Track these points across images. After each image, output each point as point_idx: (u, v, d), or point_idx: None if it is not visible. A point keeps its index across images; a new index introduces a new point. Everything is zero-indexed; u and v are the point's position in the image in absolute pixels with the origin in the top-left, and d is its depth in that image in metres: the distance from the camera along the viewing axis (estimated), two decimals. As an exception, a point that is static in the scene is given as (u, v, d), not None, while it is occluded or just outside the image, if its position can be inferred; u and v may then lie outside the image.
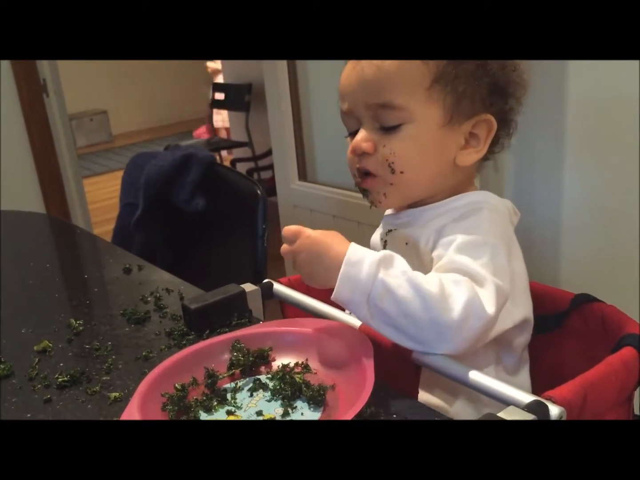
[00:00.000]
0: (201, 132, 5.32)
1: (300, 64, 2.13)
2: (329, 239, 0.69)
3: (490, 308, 0.65)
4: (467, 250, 0.69)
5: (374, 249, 0.81)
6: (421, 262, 0.75)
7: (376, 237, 0.85)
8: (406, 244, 0.78)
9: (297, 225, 0.71)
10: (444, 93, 0.73)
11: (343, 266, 0.66)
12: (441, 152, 0.75)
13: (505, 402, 0.61)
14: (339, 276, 0.66)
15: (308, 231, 0.70)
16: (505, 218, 0.76)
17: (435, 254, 0.72)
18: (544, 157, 1.55)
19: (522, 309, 0.76)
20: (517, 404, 0.59)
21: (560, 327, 0.81)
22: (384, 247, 0.82)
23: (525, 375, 0.80)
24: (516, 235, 0.78)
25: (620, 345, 0.68)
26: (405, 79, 0.72)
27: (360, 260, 0.66)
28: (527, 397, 0.59)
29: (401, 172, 0.75)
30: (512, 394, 0.61)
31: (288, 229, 0.70)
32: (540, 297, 0.82)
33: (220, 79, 4.72)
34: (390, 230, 0.82)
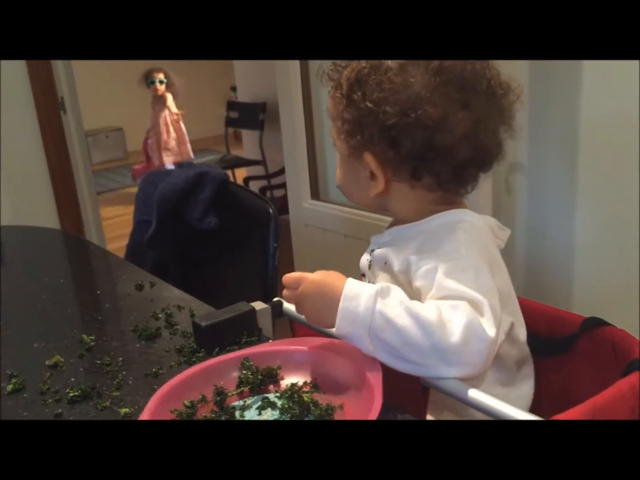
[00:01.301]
0: (139, 169, 4.68)
1: (314, 83, 2.16)
2: (331, 279, 0.71)
3: (490, 330, 0.65)
4: (452, 276, 0.69)
5: (362, 269, 0.83)
6: (397, 281, 0.76)
7: (363, 257, 0.87)
8: (385, 263, 0.80)
9: (298, 273, 0.73)
10: (340, 129, 0.79)
11: (341, 301, 0.67)
12: (355, 179, 0.81)
13: (514, 425, 0.61)
14: (338, 311, 0.67)
15: (310, 276, 0.72)
16: (485, 235, 0.77)
17: (419, 284, 0.72)
18: (557, 178, 1.55)
19: (505, 323, 0.76)
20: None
21: (570, 350, 0.81)
22: (369, 267, 0.83)
23: (526, 389, 0.80)
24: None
25: (630, 370, 0.67)
26: (330, 113, 0.81)
27: (357, 294, 0.67)
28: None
29: (340, 189, 0.85)
30: (520, 418, 0.61)
31: (289, 277, 0.73)
32: (549, 319, 0.82)
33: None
34: (373, 250, 0.83)
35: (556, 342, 0.81)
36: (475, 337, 0.64)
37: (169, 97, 4.60)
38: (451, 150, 0.74)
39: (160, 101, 4.58)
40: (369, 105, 0.73)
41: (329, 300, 0.69)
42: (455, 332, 0.64)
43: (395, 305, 0.66)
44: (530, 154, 1.59)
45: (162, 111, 4.61)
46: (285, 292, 0.73)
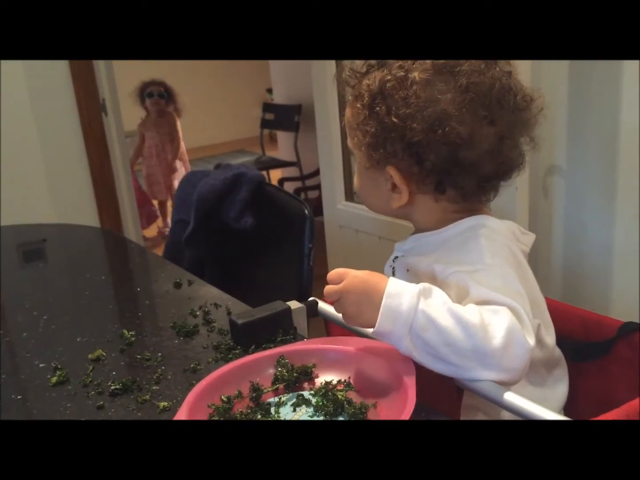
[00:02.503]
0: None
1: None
2: (376, 278, 0.70)
3: (531, 339, 0.66)
4: (483, 284, 0.69)
5: (386, 275, 0.84)
6: None
7: (387, 264, 0.87)
8: (407, 270, 0.80)
9: (342, 269, 0.72)
10: (362, 141, 0.78)
11: (384, 299, 0.67)
12: (375, 190, 0.82)
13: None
14: (381, 309, 0.67)
15: (354, 271, 0.71)
16: (508, 239, 0.76)
17: (446, 292, 0.71)
18: (596, 181, 1.53)
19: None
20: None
21: (608, 355, 0.80)
22: (393, 274, 0.83)
23: (558, 391, 0.80)
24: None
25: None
26: (348, 122, 0.81)
27: (400, 292, 0.67)
28: (570, 424, 0.59)
29: (358, 196, 0.87)
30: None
31: (334, 271, 0.72)
32: (586, 323, 0.81)
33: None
34: (397, 257, 0.83)
35: (593, 346, 0.80)
36: (516, 343, 0.64)
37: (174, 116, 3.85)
38: (476, 165, 0.74)
39: (163, 121, 3.84)
40: (395, 120, 0.73)
41: (371, 297, 0.68)
42: (497, 335, 0.64)
43: (438, 306, 0.66)
44: (569, 157, 1.57)
45: (168, 134, 3.83)
46: (328, 287, 0.72)
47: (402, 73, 0.74)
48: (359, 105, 0.78)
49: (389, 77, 0.74)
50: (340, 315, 0.86)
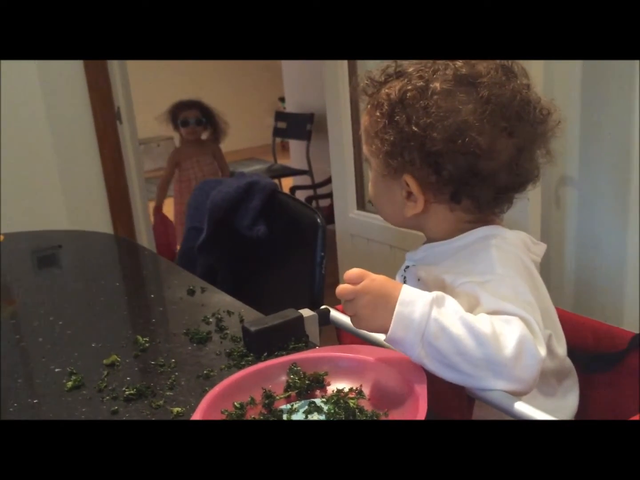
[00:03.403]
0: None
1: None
2: (392, 283, 0.70)
3: (542, 349, 0.66)
4: (494, 294, 0.70)
5: None
6: None
7: (398, 273, 0.88)
8: (418, 280, 0.81)
9: (360, 269, 0.71)
10: (379, 149, 0.78)
11: (397, 306, 0.67)
12: (390, 198, 0.82)
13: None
14: (394, 315, 0.67)
15: (373, 274, 0.71)
16: (519, 249, 0.77)
17: (459, 301, 0.72)
18: (609, 192, 1.53)
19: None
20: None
21: (619, 366, 0.80)
22: (404, 283, 0.83)
23: (569, 402, 0.81)
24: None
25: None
26: (366, 130, 0.82)
27: (413, 300, 0.67)
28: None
29: (373, 205, 0.87)
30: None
31: (353, 271, 0.70)
32: (598, 334, 0.81)
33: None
34: (408, 267, 0.84)
35: (604, 358, 0.80)
36: (527, 353, 0.65)
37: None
38: (493, 176, 0.75)
39: (204, 149, 3.26)
40: (415, 129, 0.74)
41: (388, 301, 0.68)
42: (508, 345, 0.64)
43: (450, 314, 0.66)
44: (582, 167, 1.57)
45: (209, 164, 3.24)
46: (343, 286, 0.70)
47: (422, 83, 0.75)
48: (378, 113, 0.78)
49: (409, 87, 0.75)
50: (351, 324, 0.87)
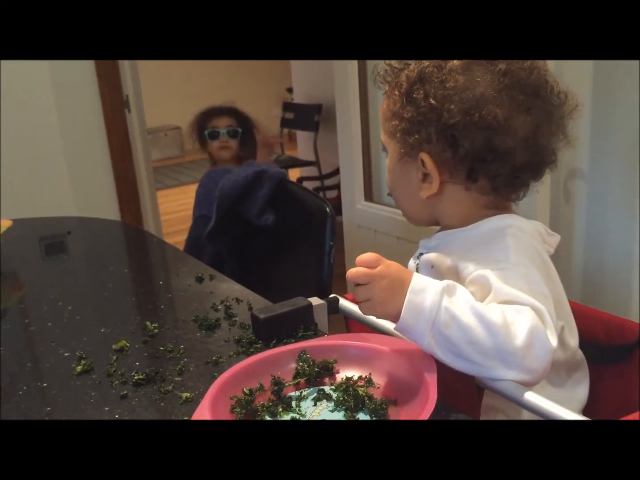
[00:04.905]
0: None
1: (371, 85, 2.17)
2: (405, 270, 0.70)
3: (553, 340, 0.66)
4: (507, 282, 0.69)
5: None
6: None
7: (411, 261, 0.87)
8: (432, 267, 0.80)
9: (375, 254, 0.70)
10: (397, 127, 0.79)
11: (408, 294, 0.67)
12: (406, 182, 0.82)
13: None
14: (405, 303, 0.67)
15: (387, 260, 0.70)
16: (534, 239, 0.77)
17: (470, 290, 0.71)
18: (619, 186, 1.52)
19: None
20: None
21: (629, 359, 0.80)
22: (417, 271, 0.83)
23: (578, 394, 0.81)
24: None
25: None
26: (384, 113, 0.82)
27: (424, 288, 0.67)
28: (592, 425, 0.59)
29: (392, 196, 0.87)
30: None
31: (367, 255, 0.69)
32: (608, 327, 0.81)
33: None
34: (421, 254, 0.84)
35: (614, 350, 0.80)
36: (538, 343, 0.65)
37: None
38: (510, 154, 0.75)
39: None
40: (432, 102, 0.74)
41: (403, 287, 0.68)
42: (519, 335, 0.64)
43: (461, 303, 0.66)
44: (592, 160, 1.56)
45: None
46: (358, 269, 0.69)
47: (440, 60, 0.75)
48: (396, 92, 0.79)
49: (427, 64, 0.76)
50: (360, 304, 0.85)
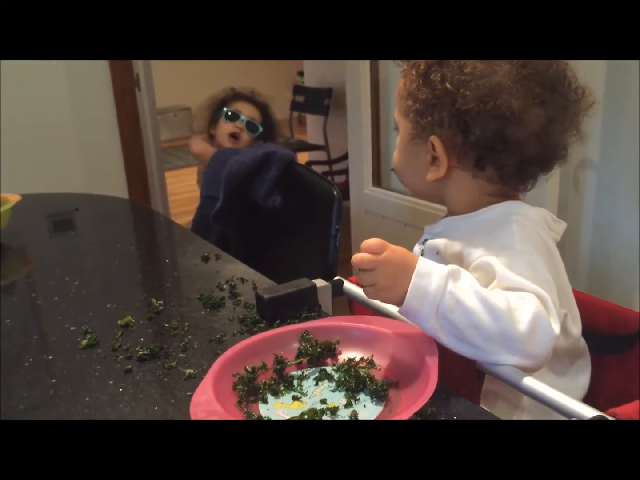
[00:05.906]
0: None
1: (382, 70, 2.16)
2: (411, 255, 0.70)
3: (556, 327, 0.66)
4: (512, 269, 0.69)
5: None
6: None
7: (416, 247, 0.87)
8: (437, 253, 0.80)
9: (379, 240, 0.70)
10: (410, 107, 0.78)
11: (413, 277, 0.67)
12: (415, 162, 0.82)
13: (569, 416, 0.61)
14: (410, 287, 0.67)
15: (392, 245, 0.70)
16: (540, 226, 0.76)
17: (474, 276, 0.71)
18: (629, 176, 1.51)
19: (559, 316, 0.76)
20: (580, 418, 0.60)
21: (632, 349, 0.80)
22: (422, 256, 0.83)
23: (580, 382, 0.81)
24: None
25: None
26: (399, 91, 0.81)
27: (429, 272, 0.67)
28: (591, 412, 0.60)
29: (396, 172, 0.87)
30: (577, 409, 0.61)
31: (372, 241, 0.69)
32: (612, 316, 0.81)
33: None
34: (426, 240, 0.84)
35: (618, 340, 0.80)
36: (542, 329, 0.65)
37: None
38: (520, 145, 0.74)
39: None
40: (448, 86, 0.73)
41: (408, 271, 0.67)
42: (522, 321, 0.64)
43: (466, 288, 0.66)
44: (602, 150, 1.55)
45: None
46: (363, 255, 0.69)
47: None
48: (414, 72, 0.78)
49: None
50: (364, 295, 0.86)
